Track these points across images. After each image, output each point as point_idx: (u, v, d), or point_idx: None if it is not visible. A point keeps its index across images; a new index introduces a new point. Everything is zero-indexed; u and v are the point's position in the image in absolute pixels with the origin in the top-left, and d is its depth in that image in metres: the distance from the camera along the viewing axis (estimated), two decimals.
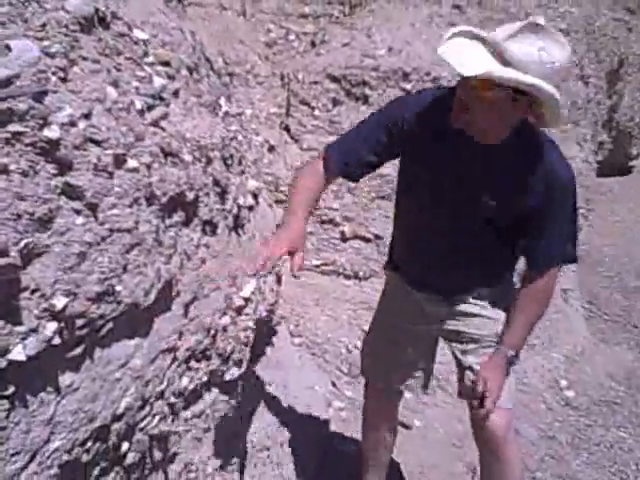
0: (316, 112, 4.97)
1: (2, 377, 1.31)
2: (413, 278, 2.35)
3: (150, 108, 1.88)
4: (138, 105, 1.81)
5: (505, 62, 1.68)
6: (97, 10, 1.78)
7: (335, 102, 4.97)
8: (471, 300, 2.26)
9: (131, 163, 1.70)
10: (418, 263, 2.31)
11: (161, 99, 1.98)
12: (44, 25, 1.57)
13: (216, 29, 5.55)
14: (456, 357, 2.34)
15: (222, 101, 2.57)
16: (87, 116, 1.58)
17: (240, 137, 2.92)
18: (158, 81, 1.97)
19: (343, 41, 5.26)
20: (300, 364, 4.00)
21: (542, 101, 1.74)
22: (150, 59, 2.02)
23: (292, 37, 5.96)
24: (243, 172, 2.84)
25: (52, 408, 1.47)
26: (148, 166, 1.78)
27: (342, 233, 4.81)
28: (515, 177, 1.94)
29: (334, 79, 4.97)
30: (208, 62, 3.12)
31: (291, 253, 1.82)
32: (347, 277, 4.81)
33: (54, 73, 1.55)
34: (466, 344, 2.28)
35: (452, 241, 2.13)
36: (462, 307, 2.26)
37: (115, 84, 1.76)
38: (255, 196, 2.97)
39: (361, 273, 4.77)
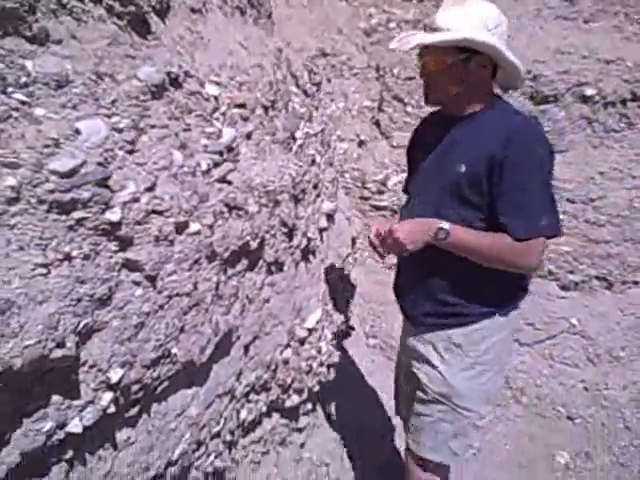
0: (408, 108, 4.90)
1: (61, 444, 1.44)
2: (397, 293, 2.43)
3: (217, 165, 1.94)
4: (204, 165, 1.87)
5: (434, 30, 1.94)
6: (169, 73, 1.85)
7: None
8: (437, 344, 2.17)
9: (193, 227, 1.78)
10: (400, 269, 2.40)
11: (230, 150, 2.04)
12: (114, 101, 1.65)
13: (316, 17, 5.53)
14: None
15: (298, 133, 2.60)
16: (151, 189, 1.66)
17: (318, 158, 2.95)
18: (228, 134, 2.02)
19: None
20: (372, 368, 4.06)
21: (496, 59, 1.95)
22: (222, 109, 2.08)
23: (392, 25, 5.84)
24: (318, 195, 2.88)
25: (109, 463, 1.60)
26: (210, 226, 1.85)
27: None
28: (480, 139, 1.95)
29: None
30: (294, 78, 3.14)
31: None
32: None
33: (121, 148, 1.63)
34: (417, 392, 2.28)
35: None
36: (426, 349, 2.21)
37: (183, 146, 1.83)
38: (329, 217, 3.01)
39: None
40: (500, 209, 1.88)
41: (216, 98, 2.01)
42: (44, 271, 1.37)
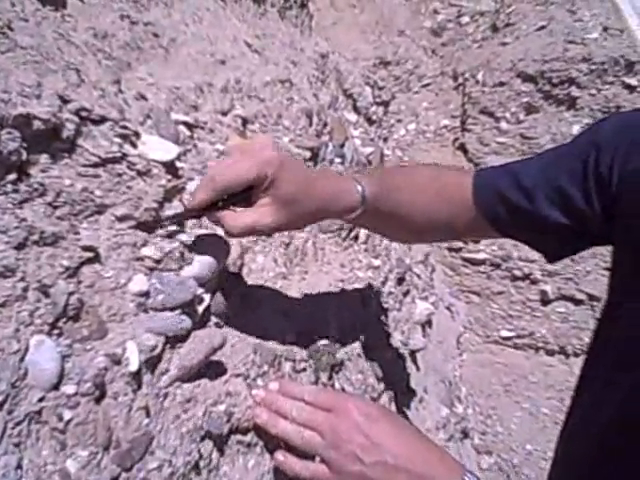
0: (502, 124, 3.72)
1: None
2: None
3: None
4: None
5: None
6: None
7: (529, 109, 3.68)
8: None
9: None
10: None
11: None
12: None
13: (368, 19, 4.41)
14: None
15: None
16: None
17: None
18: None
19: (537, 23, 3.91)
20: None
21: None
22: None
23: (466, 19, 4.68)
24: (407, 294, 1.71)
25: None
26: None
27: (543, 293, 3.53)
28: None
29: (527, 77, 3.68)
30: (349, 99, 2.05)
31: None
32: (550, 353, 3.56)
33: None
34: None
35: None
36: None
37: None
38: (426, 325, 1.84)
39: (569, 348, 3.49)
40: None
41: (171, 167, 0.83)
42: None
